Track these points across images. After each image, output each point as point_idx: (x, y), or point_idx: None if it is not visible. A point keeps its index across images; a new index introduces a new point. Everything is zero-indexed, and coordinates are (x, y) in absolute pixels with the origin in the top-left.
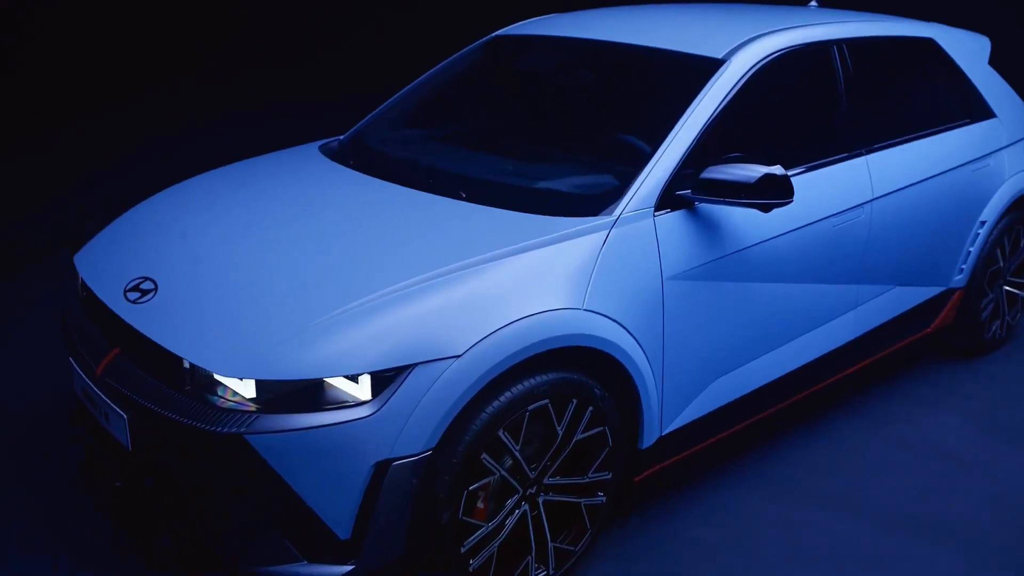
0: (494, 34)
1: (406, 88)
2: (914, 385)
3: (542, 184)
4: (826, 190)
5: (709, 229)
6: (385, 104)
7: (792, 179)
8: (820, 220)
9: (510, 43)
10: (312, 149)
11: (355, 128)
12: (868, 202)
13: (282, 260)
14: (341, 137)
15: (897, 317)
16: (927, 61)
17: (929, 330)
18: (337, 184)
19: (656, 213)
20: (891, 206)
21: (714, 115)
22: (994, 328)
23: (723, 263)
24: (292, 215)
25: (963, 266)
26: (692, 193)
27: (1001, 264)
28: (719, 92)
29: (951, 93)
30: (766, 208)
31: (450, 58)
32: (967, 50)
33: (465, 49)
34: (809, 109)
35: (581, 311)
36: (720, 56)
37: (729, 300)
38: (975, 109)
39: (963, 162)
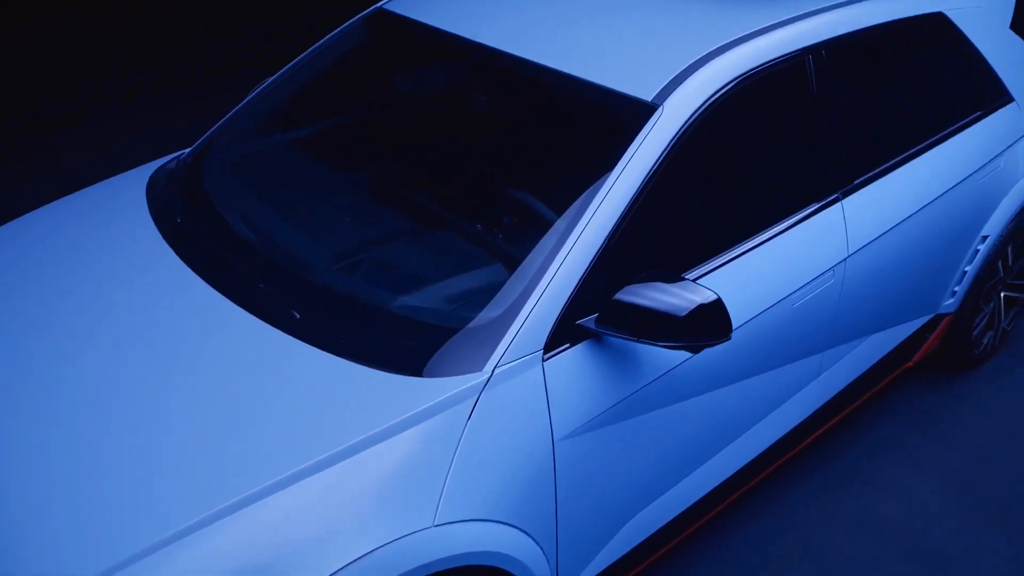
0: (377, 5)
1: (276, 76)
2: (882, 426)
3: (400, 303)
4: (785, 264)
5: (622, 360)
6: (250, 96)
7: (741, 261)
8: (774, 305)
9: (392, 24)
10: (141, 184)
11: (204, 138)
12: (841, 262)
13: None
14: (185, 152)
15: (872, 367)
16: (933, 45)
17: (911, 363)
18: (133, 286)
19: (546, 356)
20: (871, 255)
21: (639, 193)
22: (986, 341)
23: (641, 395)
24: (58, 369)
25: (956, 288)
26: (599, 324)
27: (1002, 275)
28: (646, 158)
29: (961, 81)
30: (695, 350)
31: (329, 36)
32: (984, 16)
33: (345, 25)
34: (771, 154)
35: (431, 530)
36: (650, 99)
37: (649, 432)
38: (989, 95)
39: (966, 175)
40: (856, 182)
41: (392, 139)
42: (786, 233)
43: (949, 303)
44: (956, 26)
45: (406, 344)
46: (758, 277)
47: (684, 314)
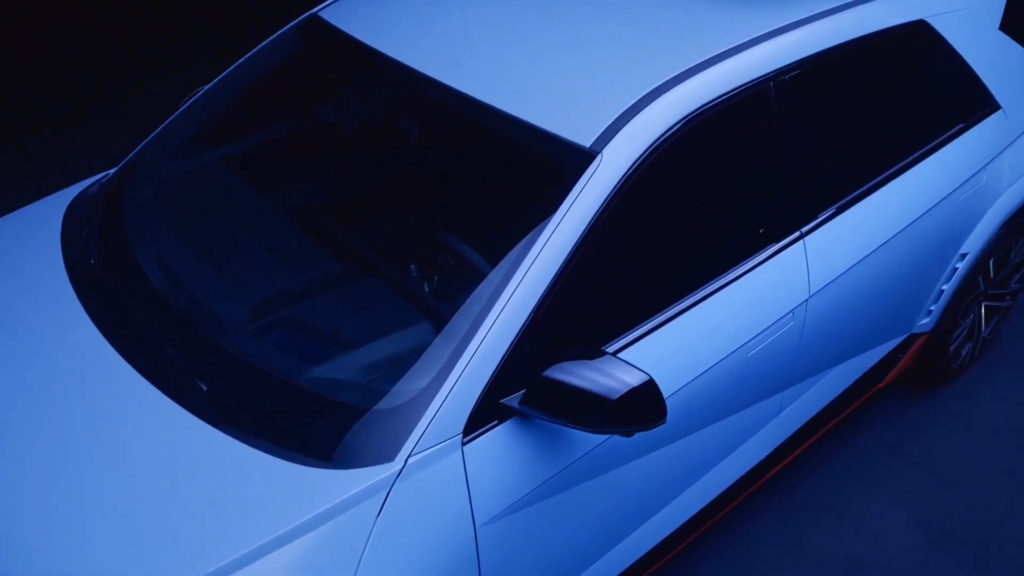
0: (312, 12)
1: (209, 85)
2: (850, 451)
3: (311, 376)
4: (739, 312)
5: (551, 436)
6: (181, 108)
7: (690, 314)
8: (726, 357)
9: (324, 36)
10: (59, 213)
11: (131, 156)
12: (802, 303)
13: None
14: (110, 173)
15: (839, 395)
16: (914, 56)
17: (882, 384)
18: (33, 350)
19: (466, 439)
20: (836, 291)
21: (575, 250)
22: (965, 353)
23: (574, 468)
24: None
25: (932, 307)
26: (524, 404)
27: (983, 289)
28: (584, 211)
29: (943, 92)
30: (628, 434)
31: (264, 43)
32: (969, 20)
33: (279, 32)
34: (726, 196)
35: None
36: (588, 146)
37: (584, 503)
38: (974, 105)
39: (945, 195)
40: (821, 217)
41: (314, 171)
42: (741, 279)
43: (924, 323)
44: (939, 33)
45: (315, 426)
46: (709, 330)
47: (617, 396)
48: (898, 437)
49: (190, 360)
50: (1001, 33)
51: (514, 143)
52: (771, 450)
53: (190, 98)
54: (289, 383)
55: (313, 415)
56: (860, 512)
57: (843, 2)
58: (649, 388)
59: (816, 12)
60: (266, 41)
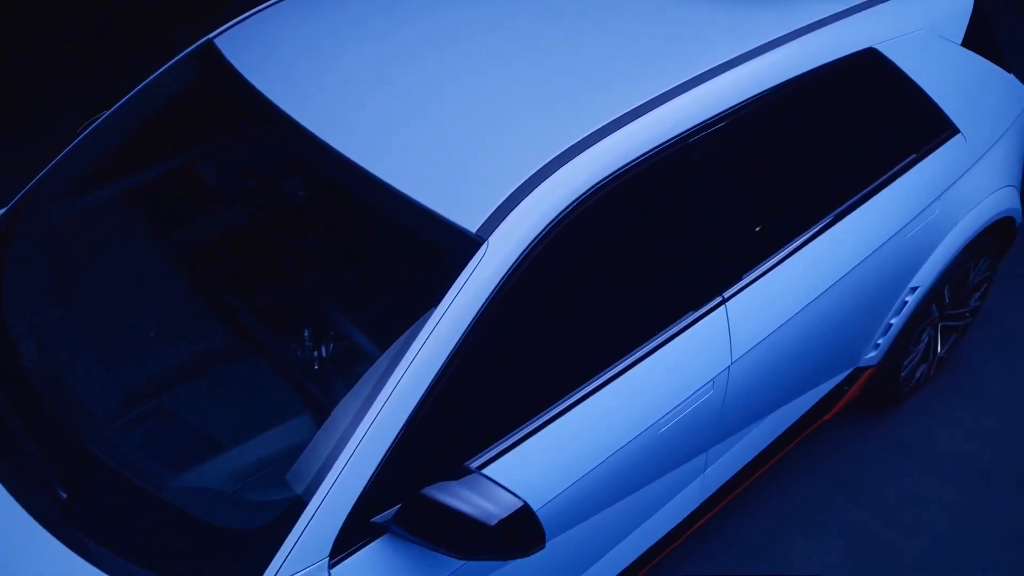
0: (208, 37)
1: (103, 116)
2: (792, 487)
3: (173, 484)
4: (649, 390)
5: (430, 552)
6: (73, 144)
7: (596, 398)
8: (634, 439)
9: (216, 69)
10: None
11: (17, 199)
12: (724, 370)
13: None
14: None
15: (774, 441)
16: (861, 88)
17: (827, 417)
18: None
19: (334, 562)
20: (763, 353)
21: (455, 350)
22: (918, 376)
23: (459, 572)
24: None
25: (880, 341)
26: (397, 523)
27: (937, 316)
28: (469, 303)
29: (894, 124)
30: (504, 559)
31: (161, 69)
32: (923, 41)
33: (177, 58)
34: (637, 267)
35: None
36: (475, 231)
37: None
38: (929, 131)
39: (889, 237)
40: (747, 278)
41: (197, 230)
42: (652, 356)
43: (871, 356)
44: (889, 60)
45: (175, 548)
46: (614, 413)
47: (495, 523)
48: (842, 469)
49: (48, 463)
50: (963, 50)
51: (398, 221)
52: (697, 505)
53: (85, 128)
54: (149, 494)
55: (173, 533)
56: (797, 555)
57: (775, 36)
58: (525, 514)
59: (748, 49)
60: (164, 67)
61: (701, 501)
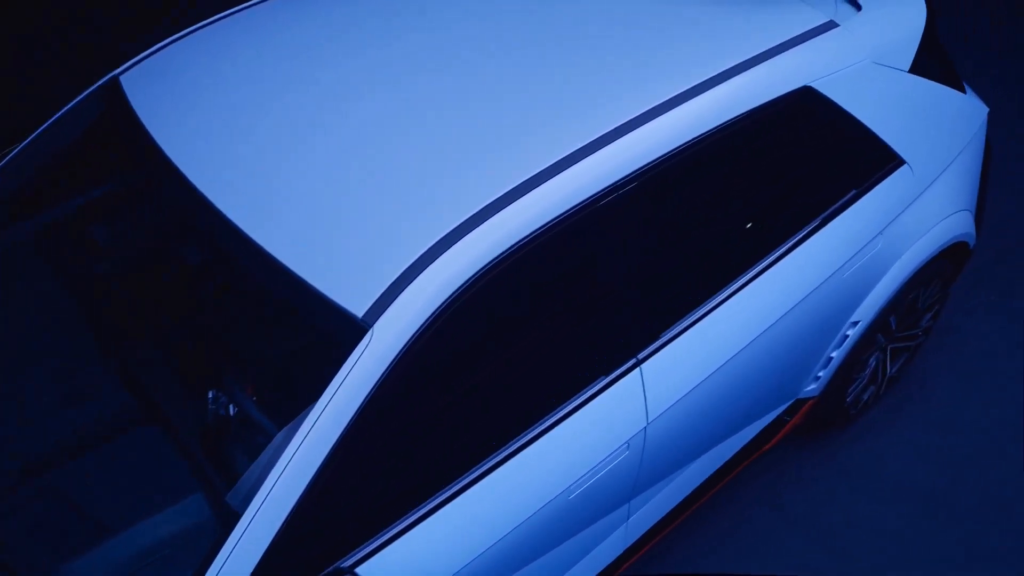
0: (115, 73)
1: (12, 152)
2: (728, 517)
3: None
4: (557, 459)
5: None
6: None
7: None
8: (540, 509)
9: (118, 107)
10: None
11: None
12: (640, 431)
13: None
14: None
15: (706, 479)
16: (796, 128)
17: (767, 447)
18: None
19: None
20: (684, 409)
21: (342, 438)
22: (867, 397)
23: None
24: None
25: (820, 374)
26: None
27: (883, 343)
28: (353, 394)
29: (832, 162)
30: None
31: (70, 104)
32: (864, 75)
33: (84, 94)
34: (540, 338)
35: None
36: (361, 316)
37: None
38: (871, 165)
39: (826, 277)
40: (665, 336)
41: (81, 294)
42: (556, 428)
43: (812, 388)
44: (827, 98)
45: None
46: (520, 485)
47: None
48: (786, 495)
49: None
50: (910, 77)
51: (283, 296)
52: (623, 550)
53: None
54: None
55: None
56: None
57: (700, 80)
58: None
59: (671, 96)
60: (72, 103)
61: (625, 547)
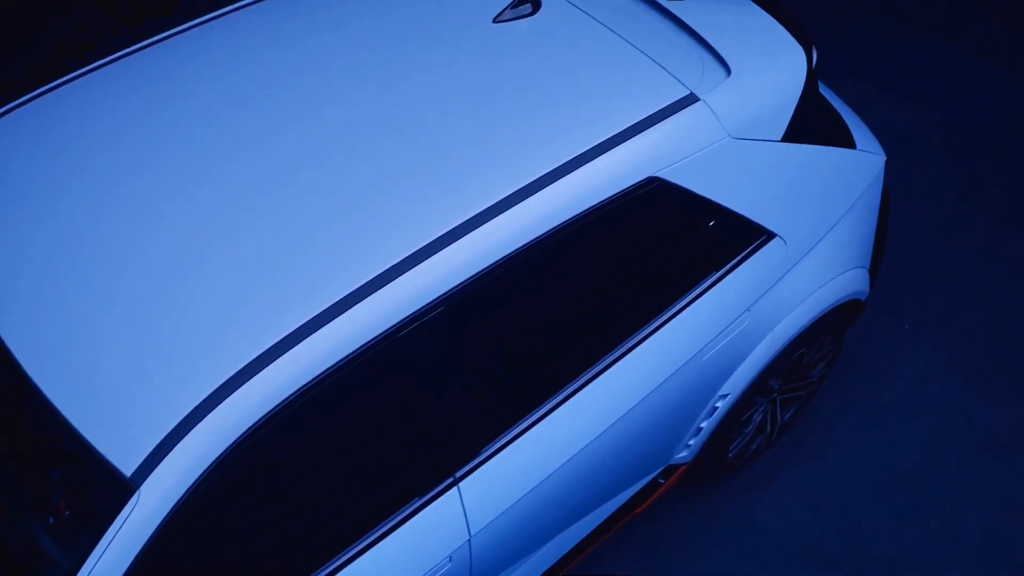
0: None
1: None
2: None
3: None
4: None
5: None
6: None
7: None
8: None
9: None
10: None
11: None
12: (464, 543)
13: None
14: None
15: (567, 552)
16: (649, 214)
17: (639, 510)
18: None
19: None
20: (519, 512)
21: None
22: (755, 447)
23: None
24: None
25: (691, 442)
26: None
27: (763, 403)
28: (112, 565)
29: (689, 248)
30: None
31: None
32: (720, 154)
33: None
34: (343, 468)
35: None
36: (130, 475)
37: None
38: (736, 244)
39: (680, 365)
40: (488, 450)
41: None
42: (365, 554)
43: (683, 455)
44: (677, 185)
45: None
46: None
47: None
48: (660, 550)
49: None
50: (783, 146)
51: (56, 444)
52: None
53: None
54: None
55: None
56: None
57: (538, 176)
58: None
59: (502, 198)
60: None
61: None
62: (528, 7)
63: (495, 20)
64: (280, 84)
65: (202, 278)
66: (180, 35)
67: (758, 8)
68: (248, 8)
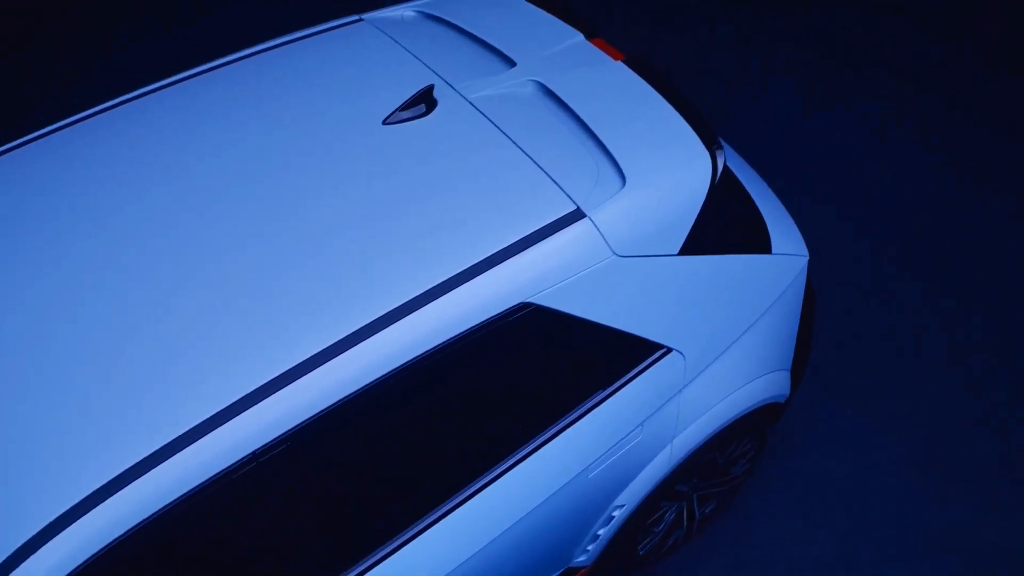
0: None
1: None
2: None
3: None
4: None
5: None
6: None
7: None
8: None
9: None
10: None
11: None
12: None
13: None
14: None
15: None
16: (527, 336)
17: None
18: None
19: None
20: None
21: None
22: (672, 541)
23: None
24: None
25: (589, 548)
26: None
27: (670, 507)
28: None
29: (582, 360)
30: None
31: None
32: (602, 278)
33: None
34: None
35: None
36: None
37: None
38: (631, 357)
39: (563, 484)
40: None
41: None
42: None
43: (582, 559)
44: (554, 309)
45: None
46: None
47: None
48: None
49: None
50: (679, 260)
51: None
52: None
53: None
54: None
55: None
56: None
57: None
58: None
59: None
60: None
61: None
62: (422, 107)
63: (385, 122)
64: (148, 194)
65: (59, 390)
66: (94, 117)
67: (668, 106)
68: (134, 103)
